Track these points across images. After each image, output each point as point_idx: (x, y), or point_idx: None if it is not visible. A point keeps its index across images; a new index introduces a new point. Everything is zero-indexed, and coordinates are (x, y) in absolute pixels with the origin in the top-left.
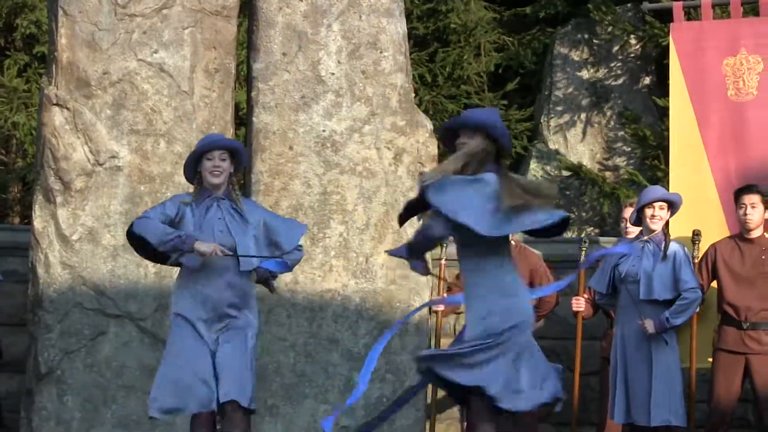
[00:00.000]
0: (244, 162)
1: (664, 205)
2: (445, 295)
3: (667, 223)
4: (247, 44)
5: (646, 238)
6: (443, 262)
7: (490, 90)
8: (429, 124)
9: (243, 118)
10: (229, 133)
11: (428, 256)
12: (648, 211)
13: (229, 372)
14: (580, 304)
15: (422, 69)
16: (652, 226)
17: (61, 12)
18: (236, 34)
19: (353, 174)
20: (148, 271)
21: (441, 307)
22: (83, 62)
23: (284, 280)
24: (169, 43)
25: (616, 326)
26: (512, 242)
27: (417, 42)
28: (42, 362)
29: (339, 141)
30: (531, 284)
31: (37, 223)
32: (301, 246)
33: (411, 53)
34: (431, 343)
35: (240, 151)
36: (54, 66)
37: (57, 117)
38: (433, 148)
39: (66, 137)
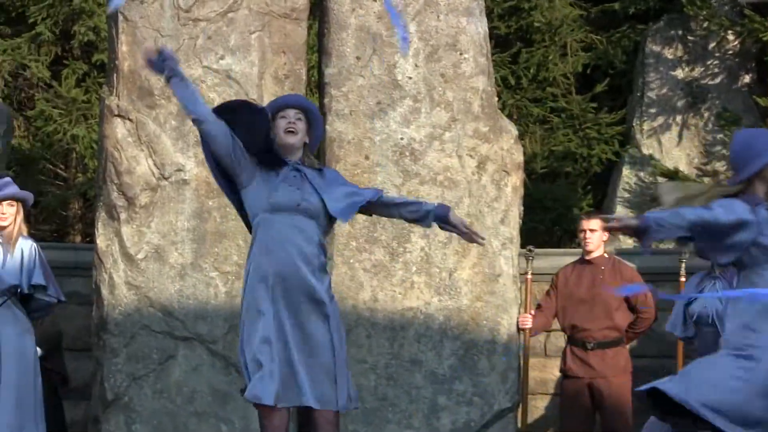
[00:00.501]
0: (320, 132)
1: None
2: (532, 312)
3: None
4: (318, 48)
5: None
6: (529, 276)
7: (578, 92)
8: (513, 130)
9: None
10: None
11: (512, 270)
12: None
13: None
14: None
15: (505, 71)
16: None
17: (121, 18)
18: (306, 37)
19: (434, 184)
20: (218, 290)
21: (529, 325)
22: (146, 70)
23: (363, 298)
24: (235, 49)
25: None
26: (605, 255)
27: (499, 42)
28: (108, 388)
29: (418, 149)
30: (627, 300)
31: (100, 241)
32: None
33: (493, 54)
34: (520, 363)
35: (316, 114)
36: (115, 75)
37: (119, 129)
38: (519, 155)
39: (129, 150)
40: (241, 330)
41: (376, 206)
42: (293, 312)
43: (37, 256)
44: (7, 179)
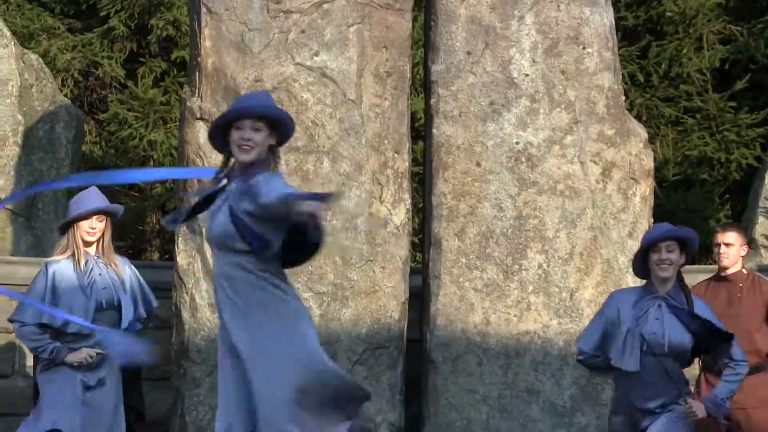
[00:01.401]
0: (289, 134)
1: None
2: None
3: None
4: (424, 43)
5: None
6: None
7: (715, 90)
8: (643, 133)
9: (421, 130)
10: (405, 149)
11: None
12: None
13: None
14: None
15: (633, 67)
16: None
17: (204, 10)
18: (411, 30)
19: (553, 194)
20: (311, 312)
21: None
22: (231, 68)
23: (473, 321)
24: (331, 44)
25: None
26: (743, 271)
27: (626, 35)
28: (190, 422)
29: (536, 155)
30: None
31: (181, 258)
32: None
33: (619, 48)
34: None
35: (275, 114)
36: (197, 73)
37: (202, 133)
38: (649, 161)
39: (213, 157)
40: None
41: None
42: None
43: (138, 277)
44: (94, 189)
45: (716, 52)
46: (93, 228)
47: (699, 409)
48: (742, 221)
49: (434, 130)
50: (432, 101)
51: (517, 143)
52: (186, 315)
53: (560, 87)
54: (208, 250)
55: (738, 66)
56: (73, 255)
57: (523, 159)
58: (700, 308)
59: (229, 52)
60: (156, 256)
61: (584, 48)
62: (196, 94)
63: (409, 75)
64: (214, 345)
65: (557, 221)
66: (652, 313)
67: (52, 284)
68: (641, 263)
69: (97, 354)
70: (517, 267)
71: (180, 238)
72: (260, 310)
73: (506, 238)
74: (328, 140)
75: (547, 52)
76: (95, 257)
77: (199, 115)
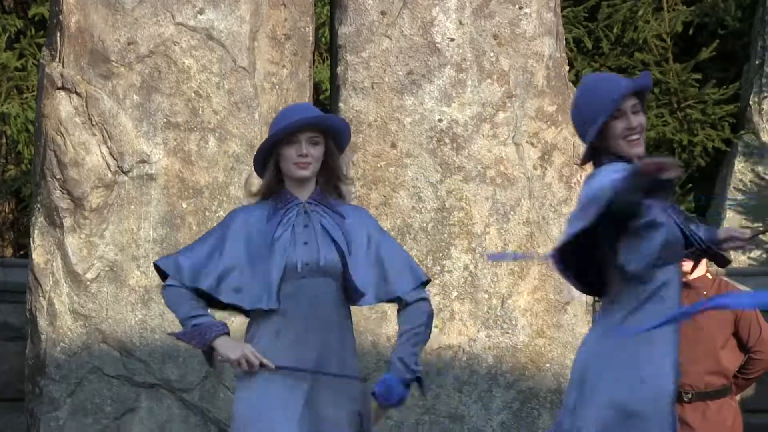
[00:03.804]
0: (345, 145)
1: None
2: None
3: None
4: (330, 0)
5: None
6: None
7: (677, 59)
8: None
9: (326, 103)
10: None
11: (585, 296)
12: None
13: None
14: None
15: (579, 31)
16: None
17: None
18: None
19: (482, 181)
20: None
21: None
22: (99, 28)
23: (386, 333)
24: (219, 0)
25: None
26: (708, 275)
27: None
28: None
29: (462, 135)
30: (736, 336)
31: (37, 255)
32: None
33: (563, 9)
34: None
35: (340, 129)
36: (58, 34)
37: (64, 105)
38: None
39: (77, 134)
40: None
41: None
42: None
43: None
44: None
45: (678, 14)
46: None
47: None
48: (707, 216)
49: (341, 104)
50: (339, 69)
51: (440, 121)
52: (43, 323)
53: (492, 54)
54: (70, 245)
55: (704, 31)
56: None
57: (447, 140)
58: None
59: (96, 9)
60: (9, 252)
61: (521, 8)
62: (57, 59)
63: (311, 38)
64: (76, 359)
65: (487, 214)
66: None
67: None
68: None
69: None
70: (438, 268)
71: (36, 231)
72: None
73: (426, 234)
74: (214, 115)
75: (477, 12)
76: None
77: (60, 84)
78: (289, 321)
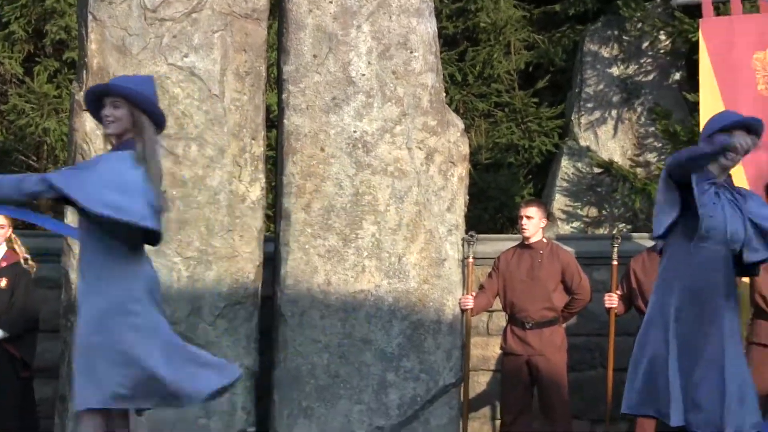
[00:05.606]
0: (148, 107)
1: None
2: (473, 294)
3: None
4: (278, 47)
5: None
6: (471, 260)
7: (521, 88)
8: (460, 124)
9: (274, 120)
10: (261, 136)
11: (457, 255)
12: None
13: None
14: (612, 300)
15: (452, 68)
16: None
17: (90, 17)
18: (266, 36)
19: (385, 174)
20: (180, 275)
21: (470, 306)
22: (113, 67)
23: (317, 281)
24: (199, 47)
25: None
26: (544, 240)
27: (447, 41)
28: None
29: (370, 142)
30: (563, 283)
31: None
32: None
33: (441, 52)
34: (463, 341)
35: (131, 94)
36: (84, 71)
37: (88, 122)
38: (465, 148)
39: (97, 142)
40: None
41: None
42: None
43: None
44: None
45: (522, 56)
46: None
47: None
48: (542, 198)
49: (285, 121)
50: (284, 96)
51: (354, 132)
52: (73, 276)
53: (391, 85)
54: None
55: (540, 68)
56: None
57: (360, 145)
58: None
59: (111, 54)
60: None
61: (411, 52)
62: (84, 89)
63: (264, 74)
64: None
65: (388, 197)
66: None
67: None
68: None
69: None
70: (354, 236)
71: (68, 211)
72: None
73: (345, 211)
74: (195, 129)
75: (381, 55)
76: None
77: (85, 107)
78: None
